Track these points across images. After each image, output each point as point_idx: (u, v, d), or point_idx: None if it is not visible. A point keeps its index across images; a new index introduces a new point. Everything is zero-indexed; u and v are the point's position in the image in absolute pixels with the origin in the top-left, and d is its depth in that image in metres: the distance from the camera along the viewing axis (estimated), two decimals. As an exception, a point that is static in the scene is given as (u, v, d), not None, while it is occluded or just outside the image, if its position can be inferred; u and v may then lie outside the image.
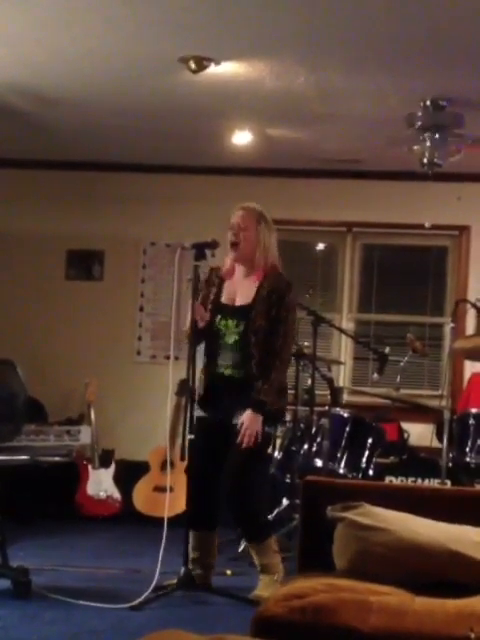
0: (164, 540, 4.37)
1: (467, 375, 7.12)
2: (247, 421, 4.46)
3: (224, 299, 4.65)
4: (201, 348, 4.65)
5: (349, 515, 3.09)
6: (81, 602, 4.34)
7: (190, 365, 4.50)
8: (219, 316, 4.59)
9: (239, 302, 4.62)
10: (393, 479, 5.55)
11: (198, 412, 4.57)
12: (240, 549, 5.46)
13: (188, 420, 4.47)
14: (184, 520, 4.57)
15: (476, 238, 7.34)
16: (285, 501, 5.97)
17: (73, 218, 7.55)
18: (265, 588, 4.49)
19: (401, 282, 7.54)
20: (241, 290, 4.63)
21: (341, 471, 5.68)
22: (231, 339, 4.57)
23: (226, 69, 5.04)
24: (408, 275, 7.54)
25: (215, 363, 4.60)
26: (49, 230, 7.57)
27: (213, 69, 4.99)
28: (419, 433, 6.73)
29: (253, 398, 4.49)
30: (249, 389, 4.50)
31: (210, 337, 4.60)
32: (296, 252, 7.70)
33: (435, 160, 5.54)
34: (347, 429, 5.78)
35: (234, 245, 4.59)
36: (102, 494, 6.76)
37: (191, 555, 4.61)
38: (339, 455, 5.72)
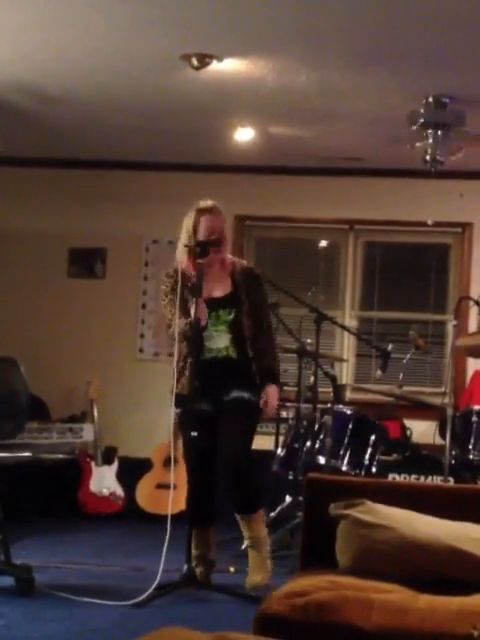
0: (167, 537, 4.37)
1: (470, 372, 7.12)
2: (272, 394, 4.67)
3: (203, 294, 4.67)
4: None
5: (352, 512, 3.09)
6: (84, 599, 4.34)
7: (196, 360, 4.51)
8: (208, 310, 4.60)
9: (218, 294, 4.68)
10: (396, 476, 5.55)
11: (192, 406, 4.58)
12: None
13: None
14: (187, 517, 4.57)
15: (479, 235, 7.34)
16: (288, 498, 5.97)
17: (75, 216, 7.55)
18: (257, 570, 4.59)
19: (403, 279, 7.53)
20: (216, 283, 4.69)
21: (344, 468, 5.67)
22: (223, 326, 4.64)
23: (228, 66, 5.05)
24: (410, 272, 7.53)
25: (204, 349, 4.62)
26: (51, 228, 7.57)
27: (215, 66, 5.00)
28: (422, 430, 6.73)
29: (271, 372, 4.69)
30: (245, 368, 4.63)
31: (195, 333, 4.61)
32: (298, 249, 7.70)
33: (437, 157, 5.54)
34: (350, 426, 5.77)
35: (219, 249, 4.64)
36: (105, 491, 6.76)
37: (193, 552, 4.63)
38: (342, 452, 5.71)
